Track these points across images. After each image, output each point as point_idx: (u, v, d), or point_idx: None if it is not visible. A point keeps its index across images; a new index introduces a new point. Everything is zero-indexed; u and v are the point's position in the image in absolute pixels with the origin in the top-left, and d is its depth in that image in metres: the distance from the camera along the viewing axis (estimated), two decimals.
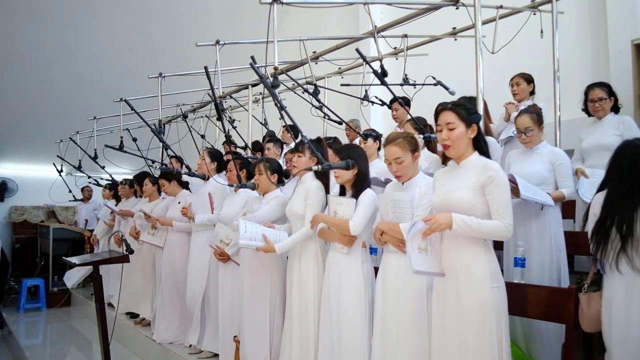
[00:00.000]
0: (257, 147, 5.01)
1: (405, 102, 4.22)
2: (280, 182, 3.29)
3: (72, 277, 6.58)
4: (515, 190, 2.63)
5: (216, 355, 3.79)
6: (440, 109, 2.18)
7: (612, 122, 3.38)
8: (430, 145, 3.53)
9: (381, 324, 2.41)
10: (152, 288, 4.85)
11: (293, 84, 3.89)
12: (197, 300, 3.92)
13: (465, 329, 2.01)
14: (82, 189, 7.64)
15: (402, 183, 2.47)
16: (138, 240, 4.87)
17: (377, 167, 3.28)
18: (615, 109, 3.42)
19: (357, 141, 4.50)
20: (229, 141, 3.98)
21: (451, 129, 2.11)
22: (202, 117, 6.50)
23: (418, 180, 2.43)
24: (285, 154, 3.99)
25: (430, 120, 4.07)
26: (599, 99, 3.37)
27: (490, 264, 2.04)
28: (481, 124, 2.34)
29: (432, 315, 2.18)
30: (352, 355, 2.53)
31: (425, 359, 2.24)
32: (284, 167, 3.64)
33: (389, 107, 4.08)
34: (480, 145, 2.16)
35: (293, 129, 5.26)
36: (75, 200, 7.35)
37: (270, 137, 4.64)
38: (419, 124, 3.42)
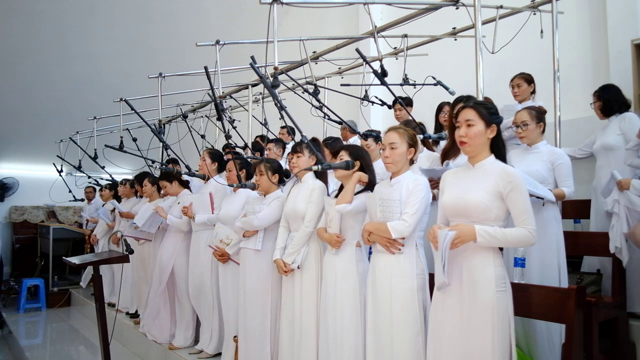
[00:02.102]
0: (256, 146, 5.01)
1: (407, 103, 4.22)
2: (281, 182, 3.30)
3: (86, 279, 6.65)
4: None
5: (216, 355, 3.79)
6: (462, 106, 2.16)
7: (616, 122, 3.51)
8: (428, 145, 3.54)
9: (373, 325, 2.41)
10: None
11: (293, 84, 3.89)
12: (200, 300, 3.93)
13: (468, 332, 1.98)
14: (85, 190, 7.64)
15: (391, 179, 2.48)
16: (138, 240, 4.87)
17: (378, 168, 3.27)
18: (619, 108, 3.51)
19: (356, 141, 4.51)
20: (228, 141, 3.99)
21: (469, 126, 2.09)
22: (202, 117, 6.49)
23: (406, 177, 2.43)
24: (288, 154, 4.00)
25: (430, 119, 4.10)
26: (592, 103, 3.58)
27: (497, 266, 2.01)
28: None
29: (433, 317, 2.16)
30: (348, 354, 2.54)
31: (419, 358, 2.24)
32: (285, 167, 3.64)
33: (389, 107, 4.08)
34: (498, 148, 2.13)
35: (292, 129, 5.27)
36: (75, 200, 7.34)
37: (264, 138, 4.63)
38: (417, 124, 3.42)
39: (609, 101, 3.54)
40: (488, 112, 2.10)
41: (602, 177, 3.37)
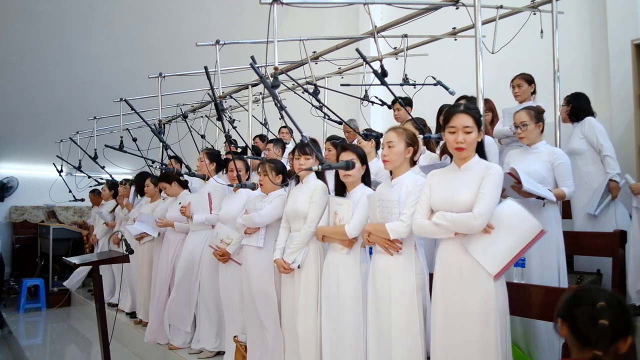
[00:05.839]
0: (255, 149, 5.01)
1: (407, 103, 4.21)
2: (284, 183, 3.29)
3: (73, 280, 6.60)
4: (517, 184, 2.63)
5: (216, 355, 3.80)
6: (457, 110, 2.17)
7: (578, 127, 3.64)
8: (429, 145, 3.53)
9: (374, 324, 2.43)
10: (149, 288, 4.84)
11: (293, 84, 3.88)
12: (193, 301, 3.93)
13: (470, 327, 2.02)
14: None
15: (391, 180, 2.49)
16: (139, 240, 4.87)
17: (375, 167, 3.28)
18: (578, 115, 3.66)
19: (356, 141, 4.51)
20: (229, 141, 3.98)
21: (468, 132, 2.12)
22: (202, 117, 6.50)
23: (406, 178, 2.44)
24: (289, 154, 3.99)
25: (430, 120, 4.10)
26: (562, 105, 3.74)
27: None
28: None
29: (434, 313, 2.18)
30: (350, 354, 2.54)
31: (419, 357, 2.25)
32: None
33: (389, 107, 4.08)
34: (481, 148, 2.21)
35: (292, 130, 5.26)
36: (75, 200, 7.34)
37: (263, 138, 4.62)
38: (419, 124, 3.42)
39: (577, 108, 3.68)
40: (479, 116, 2.18)
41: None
